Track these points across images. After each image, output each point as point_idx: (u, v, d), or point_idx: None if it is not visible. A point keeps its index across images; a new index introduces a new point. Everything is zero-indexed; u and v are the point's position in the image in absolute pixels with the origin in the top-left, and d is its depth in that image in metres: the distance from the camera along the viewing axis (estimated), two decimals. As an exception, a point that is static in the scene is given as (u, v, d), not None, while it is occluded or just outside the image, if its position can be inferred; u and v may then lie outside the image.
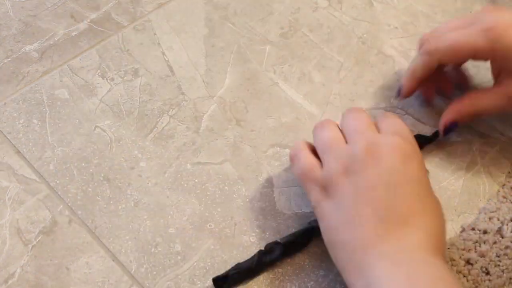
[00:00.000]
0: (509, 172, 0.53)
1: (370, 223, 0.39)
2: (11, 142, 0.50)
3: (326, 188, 0.42)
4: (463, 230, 0.48)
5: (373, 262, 0.37)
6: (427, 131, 0.55)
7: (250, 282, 0.44)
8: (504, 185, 0.51)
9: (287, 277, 0.45)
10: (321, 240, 0.47)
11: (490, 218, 0.48)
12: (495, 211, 0.49)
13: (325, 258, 0.47)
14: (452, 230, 0.49)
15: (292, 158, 0.46)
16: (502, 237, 0.47)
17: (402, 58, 0.60)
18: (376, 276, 0.36)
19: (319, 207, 0.42)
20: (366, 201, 0.39)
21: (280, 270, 0.45)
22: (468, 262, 0.46)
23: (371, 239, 0.38)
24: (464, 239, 0.47)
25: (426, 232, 0.39)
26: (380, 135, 0.43)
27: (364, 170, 0.40)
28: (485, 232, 0.47)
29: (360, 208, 0.39)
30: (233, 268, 0.44)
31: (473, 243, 0.47)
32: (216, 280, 0.43)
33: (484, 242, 0.47)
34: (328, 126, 0.45)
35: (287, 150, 0.52)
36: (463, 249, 0.46)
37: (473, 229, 0.48)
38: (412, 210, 0.39)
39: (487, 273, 0.45)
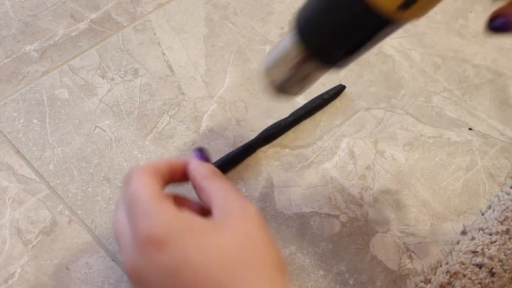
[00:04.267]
0: (508, 172, 0.53)
1: None
2: (11, 142, 0.50)
3: None
4: (469, 231, 0.48)
5: None
6: (427, 131, 0.55)
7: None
8: (504, 184, 0.51)
9: (287, 277, 0.45)
10: (320, 239, 0.48)
11: (501, 221, 0.48)
12: (505, 210, 0.49)
13: (325, 258, 0.47)
14: (452, 230, 0.49)
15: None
16: (510, 238, 0.47)
17: (402, 58, 0.60)
18: None
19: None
20: None
21: (280, 270, 0.45)
22: (476, 265, 0.46)
23: None
24: (473, 239, 0.47)
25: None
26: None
27: None
28: (496, 233, 0.47)
29: None
30: (217, 160, 0.50)
31: (482, 245, 0.47)
32: None
33: (493, 243, 0.47)
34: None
35: (288, 150, 0.52)
36: (472, 253, 0.46)
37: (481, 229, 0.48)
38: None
39: (492, 275, 0.45)
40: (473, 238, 0.47)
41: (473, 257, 0.46)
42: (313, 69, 0.37)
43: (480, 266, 0.45)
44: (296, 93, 0.41)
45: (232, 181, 0.50)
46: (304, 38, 0.35)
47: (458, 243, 0.47)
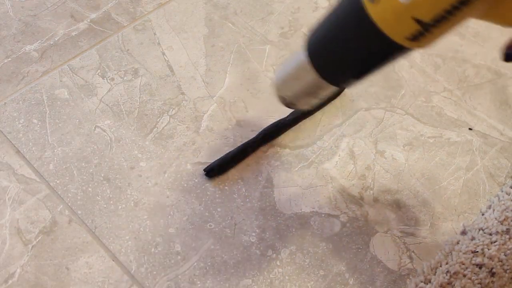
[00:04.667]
0: (508, 172, 0.53)
1: None
2: (11, 142, 0.50)
3: None
4: (469, 231, 0.48)
5: None
6: (427, 131, 0.55)
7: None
8: (504, 184, 0.51)
9: (287, 277, 0.45)
10: (320, 239, 0.48)
11: (500, 221, 0.48)
12: (505, 210, 0.49)
13: (325, 258, 0.47)
14: (452, 230, 0.49)
15: None
16: (510, 238, 0.47)
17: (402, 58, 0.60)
18: None
19: None
20: None
21: (280, 270, 0.46)
22: (476, 265, 0.46)
23: None
24: (473, 240, 0.47)
25: None
26: None
27: None
28: (496, 233, 0.47)
29: None
30: (217, 160, 0.50)
31: (482, 245, 0.47)
32: (207, 171, 0.49)
33: (493, 243, 0.47)
34: None
35: (288, 150, 0.52)
36: (472, 252, 0.46)
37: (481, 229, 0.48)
38: None
39: (492, 275, 0.45)
40: (473, 238, 0.47)
41: (473, 257, 0.46)
42: (323, 88, 0.39)
43: (480, 266, 0.45)
44: (305, 108, 0.43)
45: (232, 181, 0.50)
46: (315, 61, 0.37)
47: (458, 243, 0.47)
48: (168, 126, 0.52)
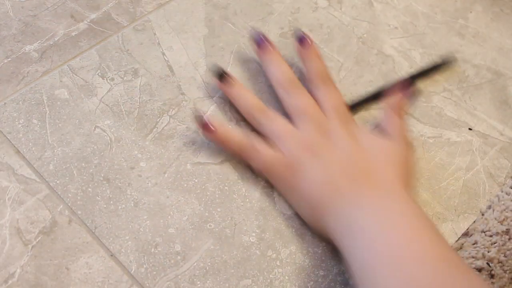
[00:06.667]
0: (508, 172, 0.53)
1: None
2: (11, 142, 0.50)
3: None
4: (472, 234, 0.48)
5: (354, 213, 0.43)
6: (427, 131, 0.55)
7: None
8: (504, 184, 0.51)
9: (287, 277, 0.45)
10: (321, 241, 0.48)
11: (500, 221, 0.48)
12: (505, 210, 0.49)
13: (325, 258, 0.47)
14: (452, 230, 0.49)
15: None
16: (510, 239, 0.47)
17: (402, 58, 0.60)
18: (359, 226, 0.42)
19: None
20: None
21: (280, 270, 0.46)
22: (476, 269, 0.45)
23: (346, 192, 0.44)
24: (474, 244, 0.47)
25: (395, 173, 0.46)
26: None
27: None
28: (496, 234, 0.47)
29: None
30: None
31: (483, 248, 0.46)
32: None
33: (493, 245, 0.46)
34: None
35: (287, 150, 0.52)
36: (473, 257, 0.46)
37: (482, 231, 0.48)
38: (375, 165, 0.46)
39: (492, 276, 0.45)
40: (475, 243, 0.47)
41: (473, 261, 0.46)
42: None
43: (480, 269, 0.45)
44: None
45: (232, 181, 0.50)
46: None
47: (461, 248, 0.47)
48: (168, 126, 0.52)
